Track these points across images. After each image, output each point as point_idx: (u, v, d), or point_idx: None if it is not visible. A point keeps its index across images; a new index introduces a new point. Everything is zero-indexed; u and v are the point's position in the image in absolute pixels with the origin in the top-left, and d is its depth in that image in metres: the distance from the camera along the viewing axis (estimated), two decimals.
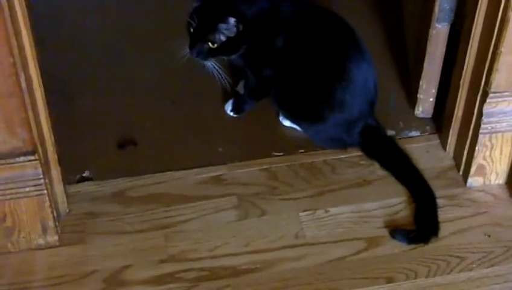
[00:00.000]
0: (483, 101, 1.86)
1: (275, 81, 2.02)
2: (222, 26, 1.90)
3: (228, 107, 2.14)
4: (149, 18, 2.43)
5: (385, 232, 1.90)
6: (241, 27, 1.91)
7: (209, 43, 1.92)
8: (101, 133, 2.11)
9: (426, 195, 1.93)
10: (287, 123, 2.10)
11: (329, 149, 2.05)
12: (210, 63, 1.96)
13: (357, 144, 2.02)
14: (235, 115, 2.13)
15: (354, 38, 1.99)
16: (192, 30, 1.93)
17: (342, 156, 2.05)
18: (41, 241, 1.87)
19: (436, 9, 1.94)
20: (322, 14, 2.00)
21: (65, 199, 1.92)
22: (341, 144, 2.03)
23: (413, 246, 1.87)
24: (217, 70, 1.97)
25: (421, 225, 1.89)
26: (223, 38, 1.92)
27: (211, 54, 1.94)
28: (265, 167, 2.03)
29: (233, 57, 1.99)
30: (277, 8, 1.97)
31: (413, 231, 1.88)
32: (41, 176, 1.76)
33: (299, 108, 2.02)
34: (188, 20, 1.93)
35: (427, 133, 2.11)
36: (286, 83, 2.00)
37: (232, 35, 1.92)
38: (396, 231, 1.87)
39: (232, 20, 1.90)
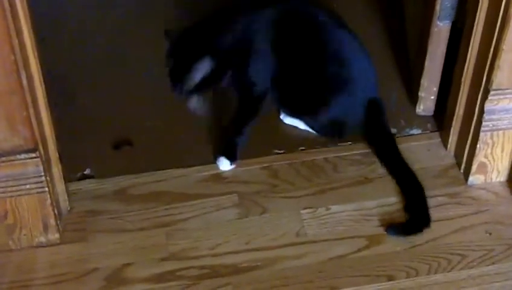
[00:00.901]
0: (484, 98, 1.86)
1: (265, 92, 2.01)
2: (197, 66, 1.91)
3: (221, 162, 2.02)
4: (150, 17, 2.43)
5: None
6: (216, 62, 1.92)
7: (188, 82, 1.93)
8: (102, 132, 2.11)
9: (415, 187, 1.94)
10: (288, 121, 2.10)
11: (332, 139, 2.05)
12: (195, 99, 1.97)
13: (359, 126, 2.02)
14: (233, 166, 2.02)
15: (342, 26, 2.01)
16: (169, 70, 1.95)
17: (343, 154, 2.05)
18: (42, 239, 1.87)
19: (438, 7, 1.94)
20: (308, 10, 1.99)
21: (66, 197, 1.92)
22: (344, 130, 2.04)
23: (414, 244, 1.86)
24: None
25: (413, 216, 1.90)
26: (200, 76, 1.92)
27: (192, 91, 1.95)
28: (266, 165, 2.03)
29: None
30: (251, 22, 1.95)
31: (406, 222, 1.89)
32: (43, 174, 1.77)
33: (300, 101, 2.02)
34: (166, 57, 1.96)
35: (428, 131, 2.11)
36: (283, 80, 1.99)
37: (209, 71, 1.92)
38: (390, 227, 1.88)
39: (206, 59, 1.91)
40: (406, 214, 1.91)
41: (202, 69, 1.91)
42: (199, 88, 1.95)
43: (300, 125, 2.09)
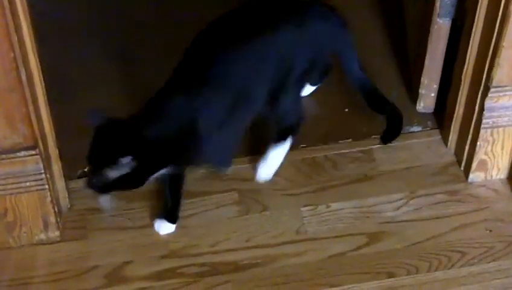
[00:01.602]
0: (484, 96, 1.85)
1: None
2: (112, 167, 1.66)
3: (160, 226, 1.89)
4: (150, 14, 2.43)
5: (386, 227, 1.90)
6: (141, 161, 1.67)
7: (101, 178, 1.68)
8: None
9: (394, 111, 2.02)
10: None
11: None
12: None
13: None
14: (173, 229, 1.89)
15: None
16: (87, 156, 1.71)
17: (344, 152, 2.05)
18: (42, 236, 1.87)
19: (438, 4, 1.93)
20: None
21: (66, 195, 1.92)
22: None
23: (414, 241, 1.87)
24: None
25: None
26: (115, 175, 1.67)
27: (104, 189, 1.71)
28: None
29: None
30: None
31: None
32: (42, 171, 1.77)
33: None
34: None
35: (428, 129, 2.10)
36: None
37: (129, 172, 1.68)
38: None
39: (124, 160, 1.66)
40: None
41: (120, 168, 1.67)
42: (112, 188, 1.71)
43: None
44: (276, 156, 1.95)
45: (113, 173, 1.66)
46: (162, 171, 1.76)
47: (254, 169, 1.96)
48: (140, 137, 1.69)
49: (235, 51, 1.78)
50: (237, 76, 1.78)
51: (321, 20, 1.90)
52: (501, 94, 1.85)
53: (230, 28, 1.82)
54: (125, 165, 1.65)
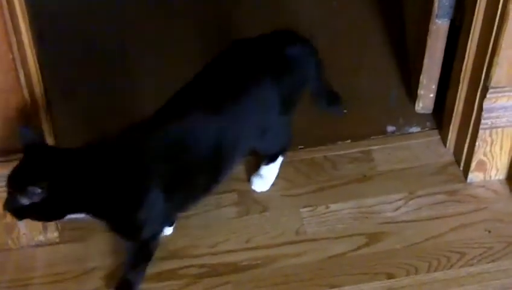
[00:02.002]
0: (483, 96, 1.85)
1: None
2: (22, 194, 1.54)
3: None
4: (151, 14, 2.43)
5: (386, 228, 1.90)
6: (51, 194, 1.53)
7: (18, 204, 1.56)
8: (101, 130, 2.10)
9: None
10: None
11: None
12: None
13: None
14: None
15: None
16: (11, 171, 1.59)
17: (343, 152, 2.05)
18: (41, 238, 1.87)
19: (436, 5, 1.93)
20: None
21: None
22: None
23: (413, 241, 1.87)
24: None
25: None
26: (27, 202, 1.55)
27: (19, 214, 1.59)
28: None
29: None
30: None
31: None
32: None
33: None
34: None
35: (427, 129, 2.11)
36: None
37: (39, 201, 1.54)
38: None
39: (32, 189, 1.52)
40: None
41: (30, 197, 1.54)
42: (25, 214, 1.59)
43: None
44: (270, 172, 1.95)
45: (23, 200, 1.54)
46: (80, 216, 1.62)
47: (250, 181, 1.97)
48: (61, 168, 1.56)
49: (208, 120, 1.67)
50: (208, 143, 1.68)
51: (297, 60, 1.79)
52: (500, 95, 1.85)
53: (208, 87, 1.71)
54: (35, 194, 1.52)
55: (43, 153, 1.58)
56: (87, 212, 1.61)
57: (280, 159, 1.94)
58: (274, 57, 1.77)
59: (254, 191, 1.96)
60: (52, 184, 1.53)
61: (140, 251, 1.74)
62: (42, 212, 1.58)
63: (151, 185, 1.62)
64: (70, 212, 1.60)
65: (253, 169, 1.98)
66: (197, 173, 1.68)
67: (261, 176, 1.95)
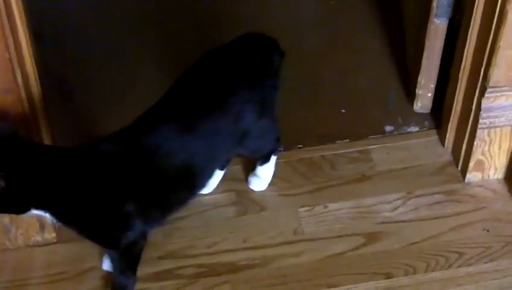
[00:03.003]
0: (481, 95, 1.85)
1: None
2: None
3: None
4: (151, 14, 2.42)
5: (384, 227, 1.90)
6: (10, 185, 1.52)
7: None
8: (100, 131, 2.10)
9: None
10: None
11: None
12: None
13: None
14: None
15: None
16: None
17: (341, 152, 2.05)
18: (39, 238, 1.87)
19: (435, 4, 1.93)
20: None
21: None
22: None
23: (412, 241, 1.86)
24: None
25: None
26: None
27: None
28: None
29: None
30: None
31: None
32: None
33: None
34: None
35: (425, 129, 2.10)
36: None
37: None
38: None
39: None
40: None
41: None
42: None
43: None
44: (265, 172, 1.94)
45: None
46: (41, 213, 1.60)
47: (247, 181, 1.96)
48: (24, 161, 1.54)
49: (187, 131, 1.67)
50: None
51: (266, 62, 1.78)
52: (498, 94, 1.85)
53: (180, 101, 1.70)
54: None
55: (10, 145, 1.55)
56: (50, 212, 1.59)
57: (274, 158, 1.93)
58: (243, 63, 1.75)
59: (252, 191, 1.96)
60: (12, 174, 1.51)
61: (122, 257, 1.72)
62: (3, 203, 1.55)
63: (118, 195, 1.62)
64: (31, 206, 1.57)
65: (250, 169, 1.98)
66: (170, 187, 1.67)
67: (257, 176, 1.95)
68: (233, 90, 1.72)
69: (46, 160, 1.57)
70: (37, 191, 1.56)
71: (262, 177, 1.95)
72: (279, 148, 1.95)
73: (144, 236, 1.70)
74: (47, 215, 1.61)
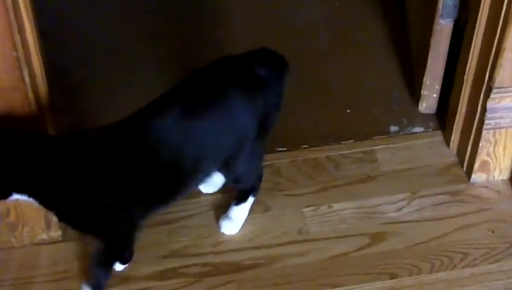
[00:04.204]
0: (486, 96, 1.85)
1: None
2: None
3: None
4: (152, 14, 2.43)
5: (389, 228, 1.90)
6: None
7: None
8: None
9: None
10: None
11: None
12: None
13: None
14: None
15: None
16: None
17: (346, 152, 2.05)
18: (44, 236, 1.87)
19: (440, 5, 1.93)
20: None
21: None
22: None
23: (416, 242, 1.87)
24: None
25: None
26: None
27: None
28: (268, 162, 2.01)
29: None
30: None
31: None
32: None
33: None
34: None
35: (430, 129, 2.11)
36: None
37: None
38: None
39: None
40: None
41: None
42: None
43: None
44: (239, 214, 1.89)
45: None
46: (22, 197, 1.60)
47: (218, 224, 1.90)
48: (3, 143, 1.55)
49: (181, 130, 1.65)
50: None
51: (271, 79, 1.75)
52: (503, 95, 1.85)
53: (175, 101, 1.69)
54: None
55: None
56: (33, 196, 1.59)
57: (251, 200, 1.87)
58: (248, 77, 1.73)
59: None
60: None
61: (108, 246, 1.72)
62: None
63: (100, 181, 1.61)
64: (13, 191, 1.58)
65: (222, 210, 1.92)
66: (155, 177, 1.65)
67: (230, 218, 1.89)
68: (237, 96, 1.70)
69: (28, 145, 1.58)
70: (18, 176, 1.56)
71: (235, 219, 1.88)
72: (258, 190, 1.88)
73: (132, 225, 1.69)
74: (31, 199, 1.60)
